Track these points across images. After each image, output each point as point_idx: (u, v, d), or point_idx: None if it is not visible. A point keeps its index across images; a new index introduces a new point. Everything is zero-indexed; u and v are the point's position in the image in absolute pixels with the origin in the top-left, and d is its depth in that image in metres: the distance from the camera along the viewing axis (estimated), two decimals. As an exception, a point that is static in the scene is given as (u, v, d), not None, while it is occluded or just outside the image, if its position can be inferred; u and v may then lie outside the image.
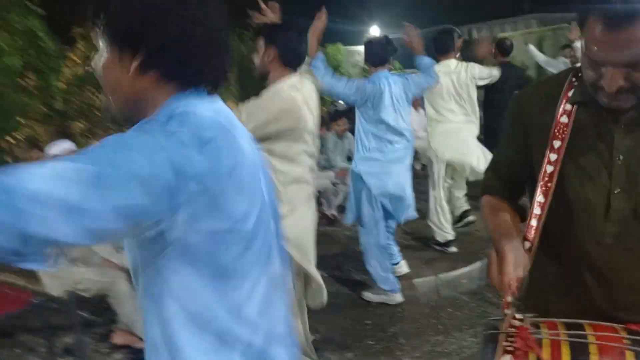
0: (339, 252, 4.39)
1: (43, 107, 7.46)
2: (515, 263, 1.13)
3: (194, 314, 0.83)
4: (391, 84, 3.36)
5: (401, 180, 3.46)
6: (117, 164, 0.73)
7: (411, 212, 3.60)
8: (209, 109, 0.88)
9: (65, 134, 7.66)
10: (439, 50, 4.18)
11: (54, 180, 0.70)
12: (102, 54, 0.93)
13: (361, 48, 15.31)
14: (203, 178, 0.78)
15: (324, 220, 5.06)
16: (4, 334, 3.32)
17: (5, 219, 0.67)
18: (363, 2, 16.17)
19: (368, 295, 3.62)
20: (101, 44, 0.92)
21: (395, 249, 3.73)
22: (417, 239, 4.50)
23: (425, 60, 3.52)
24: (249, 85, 9.88)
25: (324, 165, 5.38)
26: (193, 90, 0.91)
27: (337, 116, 5.59)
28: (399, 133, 3.41)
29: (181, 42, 0.88)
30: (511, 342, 1.08)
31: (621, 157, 1.17)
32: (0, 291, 3.13)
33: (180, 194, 0.76)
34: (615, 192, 1.18)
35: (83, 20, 7.87)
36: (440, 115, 4.12)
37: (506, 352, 1.07)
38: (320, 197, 5.19)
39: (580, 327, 1.14)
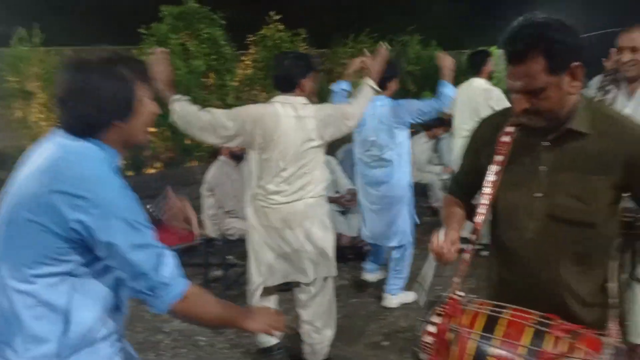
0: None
1: (219, 102, 8.93)
2: (449, 237, 1.45)
3: None
4: (377, 107, 3.47)
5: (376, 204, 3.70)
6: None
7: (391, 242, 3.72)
8: None
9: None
10: (471, 67, 4.55)
11: None
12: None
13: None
14: None
15: (429, 211, 5.70)
16: (176, 265, 4.65)
17: None
18: (525, 2, 15.45)
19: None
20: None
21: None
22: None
23: (445, 88, 3.47)
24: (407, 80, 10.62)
25: (436, 162, 6.00)
26: None
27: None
28: (377, 156, 3.59)
29: None
30: (443, 308, 1.40)
31: (544, 168, 1.42)
32: (177, 231, 4.45)
33: None
34: (538, 196, 1.42)
35: (258, 27, 9.28)
36: (457, 131, 4.54)
37: (437, 314, 1.39)
38: (428, 191, 5.85)
39: (504, 307, 1.37)
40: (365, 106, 2.90)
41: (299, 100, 2.66)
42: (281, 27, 9.30)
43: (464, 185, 1.67)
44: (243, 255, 4.13)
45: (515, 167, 1.45)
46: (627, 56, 2.49)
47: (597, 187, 1.37)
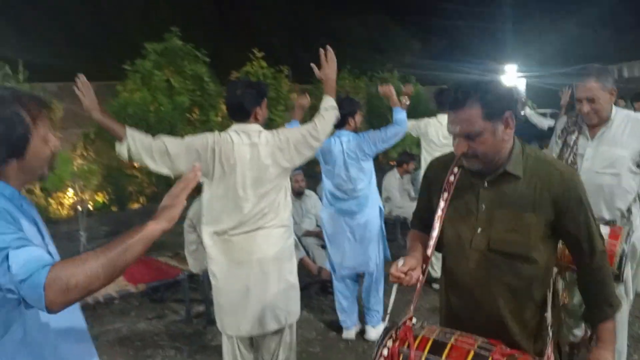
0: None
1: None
2: (408, 265, 1.57)
3: None
4: (344, 143, 3.68)
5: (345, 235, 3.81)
6: None
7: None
8: None
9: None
10: (437, 105, 4.71)
11: None
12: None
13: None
14: None
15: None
16: (159, 300, 4.73)
17: None
18: (500, 39, 16.13)
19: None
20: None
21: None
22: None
23: (398, 114, 3.79)
24: (374, 119, 11.02)
25: (414, 196, 6.24)
26: None
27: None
28: (350, 190, 3.74)
29: None
30: (397, 333, 1.52)
31: (484, 206, 1.59)
32: (160, 266, 4.55)
33: None
34: (478, 231, 1.59)
35: (242, 64, 9.47)
36: (425, 165, 4.55)
37: (391, 338, 1.51)
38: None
39: (452, 333, 1.51)
40: (332, 122, 2.83)
41: (254, 127, 2.63)
42: (264, 64, 9.59)
43: (423, 220, 1.79)
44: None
45: (460, 204, 1.63)
46: (586, 107, 2.57)
47: (530, 223, 1.54)
